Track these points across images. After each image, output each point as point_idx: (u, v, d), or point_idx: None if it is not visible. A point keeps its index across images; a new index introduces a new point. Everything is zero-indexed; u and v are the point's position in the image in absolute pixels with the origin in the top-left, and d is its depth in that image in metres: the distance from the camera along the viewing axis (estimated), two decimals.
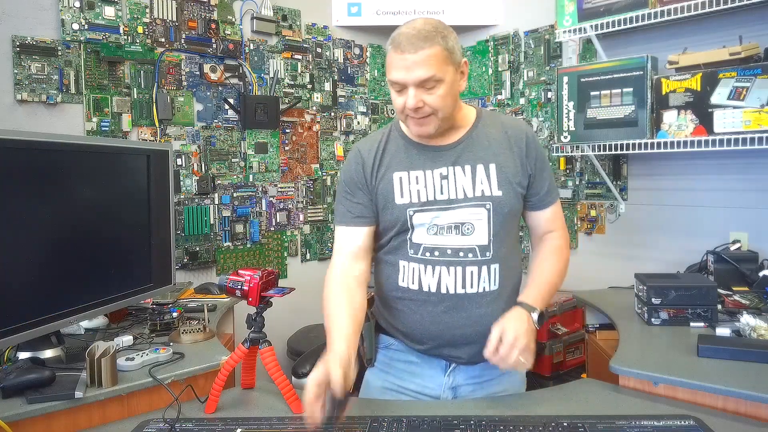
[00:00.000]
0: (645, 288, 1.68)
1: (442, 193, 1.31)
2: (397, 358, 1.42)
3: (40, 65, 2.11)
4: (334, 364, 1.08)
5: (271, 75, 2.78)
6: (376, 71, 3.21)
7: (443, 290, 1.31)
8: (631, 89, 2.13)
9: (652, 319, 1.65)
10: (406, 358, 1.41)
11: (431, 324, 1.33)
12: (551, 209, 1.41)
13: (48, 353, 1.45)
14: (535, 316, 1.25)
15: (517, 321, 1.21)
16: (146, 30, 2.38)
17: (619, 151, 2.28)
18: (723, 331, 1.53)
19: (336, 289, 1.31)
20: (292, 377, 2.04)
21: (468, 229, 1.30)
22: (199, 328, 1.63)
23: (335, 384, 1.05)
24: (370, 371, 1.46)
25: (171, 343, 1.57)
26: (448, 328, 1.32)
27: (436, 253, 1.31)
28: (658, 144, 2.08)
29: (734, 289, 1.88)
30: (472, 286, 1.30)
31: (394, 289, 1.36)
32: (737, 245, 2.10)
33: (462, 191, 1.31)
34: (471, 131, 1.36)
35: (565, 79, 2.34)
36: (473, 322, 1.30)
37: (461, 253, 1.30)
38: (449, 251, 1.30)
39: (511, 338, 1.17)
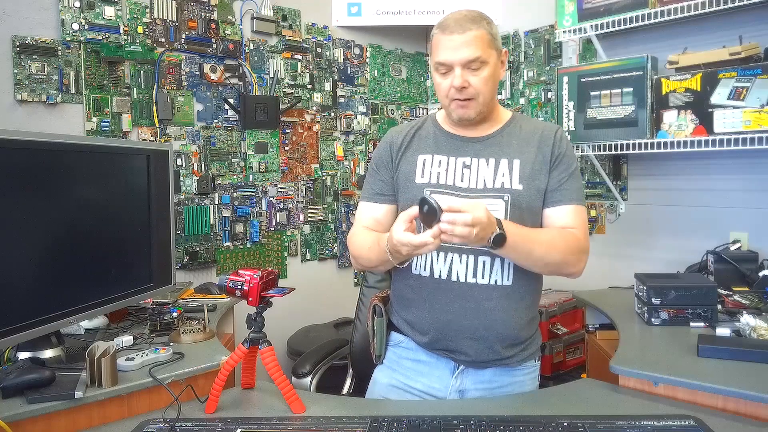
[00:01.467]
0: (645, 288, 1.68)
1: (462, 180, 1.34)
2: (405, 356, 1.43)
3: (40, 65, 2.11)
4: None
5: (271, 75, 2.78)
6: (376, 71, 3.21)
7: (453, 278, 1.32)
8: (631, 89, 2.13)
9: (652, 319, 1.65)
10: (415, 357, 1.41)
11: (440, 312, 1.33)
12: (564, 209, 1.33)
13: (48, 353, 1.45)
14: (498, 228, 1.16)
15: (489, 213, 1.14)
16: (146, 30, 2.38)
17: (619, 151, 2.28)
18: (723, 331, 1.53)
19: (362, 231, 1.41)
20: (292, 377, 2.04)
21: None
22: (199, 328, 1.63)
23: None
24: (378, 368, 1.48)
25: (171, 343, 1.57)
26: (456, 318, 1.32)
27: None
28: (658, 144, 2.08)
29: (734, 289, 1.88)
30: (483, 277, 1.31)
31: (407, 278, 1.38)
32: (737, 245, 2.11)
33: (482, 182, 1.33)
34: (503, 128, 1.38)
35: (565, 79, 2.34)
36: (481, 315, 1.30)
37: None
38: None
39: (479, 216, 1.10)
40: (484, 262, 1.31)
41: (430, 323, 1.36)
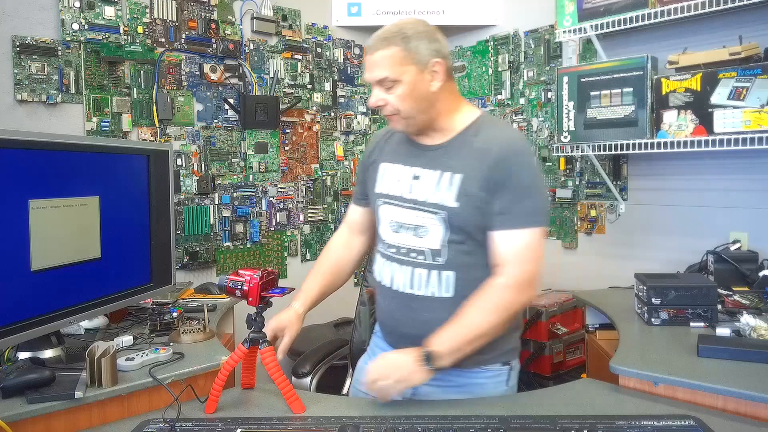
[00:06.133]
0: (645, 288, 1.68)
1: (410, 192, 1.33)
2: (376, 344, 1.50)
3: (40, 65, 2.11)
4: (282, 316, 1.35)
5: (271, 75, 2.78)
6: None
7: (395, 287, 1.35)
8: (631, 89, 2.13)
9: (652, 319, 1.65)
10: (382, 346, 1.47)
11: (387, 318, 1.41)
12: (501, 234, 1.25)
13: (48, 353, 1.45)
14: (426, 357, 1.18)
15: (393, 361, 1.20)
16: (146, 30, 2.38)
17: (619, 151, 2.28)
18: (723, 331, 1.52)
19: (325, 253, 1.53)
20: (292, 377, 2.04)
21: (423, 231, 1.30)
22: (199, 328, 1.63)
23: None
24: (363, 356, 1.56)
25: (171, 343, 1.57)
26: (398, 324, 1.37)
27: (392, 250, 1.36)
28: (658, 144, 2.08)
29: (734, 289, 1.88)
30: (419, 288, 1.31)
31: (374, 279, 1.45)
32: (737, 245, 2.10)
33: (425, 195, 1.31)
34: (457, 137, 1.32)
35: (565, 79, 2.34)
36: (420, 326, 1.28)
37: (412, 254, 1.32)
38: (403, 250, 1.33)
39: (382, 373, 1.18)
40: (420, 275, 1.31)
41: (383, 325, 1.45)
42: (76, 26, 2.18)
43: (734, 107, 1.89)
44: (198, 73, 2.54)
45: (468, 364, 1.32)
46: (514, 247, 1.25)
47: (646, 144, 2.11)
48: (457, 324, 1.22)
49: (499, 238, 1.26)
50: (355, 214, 1.52)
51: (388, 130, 1.46)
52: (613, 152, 2.33)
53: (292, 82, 2.87)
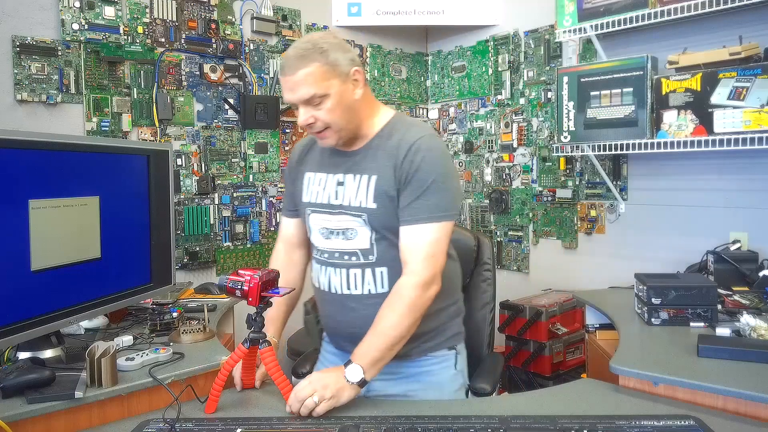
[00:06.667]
0: (645, 288, 1.68)
1: (336, 198, 1.36)
2: (325, 348, 1.54)
3: (40, 65, 2.11)
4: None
5: (271, 75, 2.78)
6: (375, 71, 3.21)
7: (333, 290, 1.38)
8: (631, 89, 2.14)
9: (652, 319, 1.65)
10: (330, 350, 1.51)
11: (329, 320, 1.44)
12: (406, 230, 1.28)
13: (48, 353, 1.45)
14: (351, 373, 1.20)
15: (320, 380, 1.20)
16: (146, 30, 2.38)
17: (619, 151, 2.28)
18: (723, 331, 1.53)
19: (276, 259, 1.52)
20: (292, 377, 2.04)
21: (352, 234, 1.33)
22: (199, 328, 1.63)
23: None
24: (317, 362, 1.59)
25: (171, 343, 1.57)
26: (341, 325, 1.40)
27: (326, 255, 1.38)
28: (658, 144, 2.08)
29: (734, 289, 1.88)
30: (356, 288, 1.35)
31: (313, 285, 1.47)
32: (737, 245, 2.11)
33: (348, 199, 1.34)
34: (373, 139, 1.35)
35: (565, 79, 2.34)
36: (362, 323, 1.30)
37: (346, 256, 1.35)
38: (336, 254, 1.36)
39: (309, 391, 1.17)
40: (355, 274, 1.34)
41: (327, 328, 1.49)
42: (76, 26, 2.18)
43: (734, 107, 1.89)
44: (198, 73, 2.54)
45: (414, 353, 1.37)
46: (419, 243, 1.28)
47: (646, 144, 2.12)
48: (374, 334, 1.24)
49: (404, 233, 1.29)
50: (288, 227, 1.53)
51: (310, 140, 1.46)
52: (613, 152, 2.33)
53: None
